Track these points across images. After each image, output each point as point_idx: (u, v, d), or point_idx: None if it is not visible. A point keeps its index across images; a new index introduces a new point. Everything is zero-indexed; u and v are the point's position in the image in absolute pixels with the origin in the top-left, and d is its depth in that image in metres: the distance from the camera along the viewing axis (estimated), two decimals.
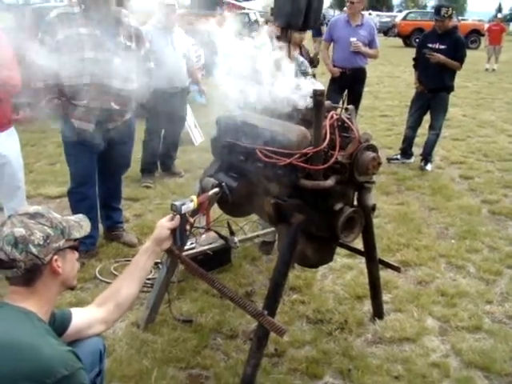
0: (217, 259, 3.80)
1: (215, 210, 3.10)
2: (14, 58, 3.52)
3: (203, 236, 3.67)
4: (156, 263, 3.70)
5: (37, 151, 6.88)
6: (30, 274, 1.64)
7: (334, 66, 6.47)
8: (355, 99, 6.22)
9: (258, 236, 4.09)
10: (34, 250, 1.63)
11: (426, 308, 3.43)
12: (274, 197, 2.59)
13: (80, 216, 1.91)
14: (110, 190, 4.20)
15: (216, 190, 2.74)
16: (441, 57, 6.05)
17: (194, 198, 2.38)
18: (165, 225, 2.24)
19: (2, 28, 7.27)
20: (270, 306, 2.56)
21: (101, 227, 4.26)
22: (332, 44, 6.60)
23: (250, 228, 4.23)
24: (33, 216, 1.69)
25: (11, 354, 1.48)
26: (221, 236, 3.48)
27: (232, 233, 3.52)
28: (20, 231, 1.63)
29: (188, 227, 2.36)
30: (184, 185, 5.67)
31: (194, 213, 2.48)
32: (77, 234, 1.81)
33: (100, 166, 3.92)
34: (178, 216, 2.26)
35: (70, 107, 3.59)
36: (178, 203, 2.28)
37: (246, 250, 4.13)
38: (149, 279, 3.62)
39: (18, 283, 1.66)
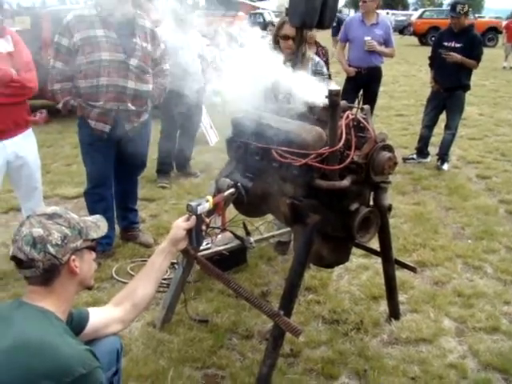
0: (232, 259, 3.80)
1: (231, 211, 3.11)
2: (31, 59, 3.57)
3: (219, 236, 3.66)
4: (172, 263, 3.71)
5: (53, 152, 6.95)
6: (48, 273, 1.66)
7: (350, 66, 6.44)
8: (371, 99, 6.18)
9: (273, 236, 4.09)
10: (51, 249, 1.64)
11: (442, 309, 3.41)
12: (289, 197, 2.59)
13: (97, 216, 1.93)
14: (126, 191, 4.22)
15: (232, 190, 2.75)
16: (458, 56, 6.00)
17: (210, 198, 2.38)
18: (181, 225, 2.26)
19: (19, 30, 7.35)
20: (285, 306, 2.56)
21: (117, 228, 4.29)
22: (348, 44, 6.58)
23: (265, 228, 4.23)
24: (51, 216, 1.70)
25: (30, 353, 1.50)
26: (236, 236, 3.48)
27: (248, 233, 3.52)
28: (38, 231, 1.64)
29: (204, 228, 2.36)
30: (200, 185, 5.70)
31: (210, 213, 2.48)
32: (94, 235, 1.82)
33: (116, 167, 3.95)
34: (193, 216, 2.27)
35: (87, 108, 3.62)
36: (193, 204, 2.29)
37: (261, 250, 4.14)
38: (165, 279, 3.64)
39: (37, 283, 1.68)
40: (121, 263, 3.94)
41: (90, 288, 1.93)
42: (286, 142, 2.53)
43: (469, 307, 3.44)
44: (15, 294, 3.49)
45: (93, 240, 1.83)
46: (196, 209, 2.28)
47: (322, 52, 5.76)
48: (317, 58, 3.85)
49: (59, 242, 1.66)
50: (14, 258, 1.66)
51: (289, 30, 3.63)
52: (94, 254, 1.86)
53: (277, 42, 3.74)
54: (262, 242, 4.08)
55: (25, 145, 3.60)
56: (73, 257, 1.70)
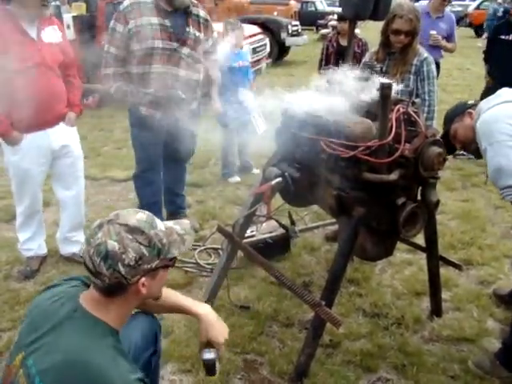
0: (276, 248, 3.84)
1: (277, 200, 3.13)
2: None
3: (264, 224, 3.71)
4: (216, 249, 3.78)
5: (104, 136, 7.11)
6: (112, 288, 1.55)
7: None
8: None
9: (318, 227, 4.09)
10: (122, 269, 1.52)
11: (486, 309, 3.35)
12: (336, 188, 2.59)
13: (188, 226, 1.77)
14: (174, 177, 4.30)
15: (278, 179, 2.77)
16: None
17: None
18: (221, 340, 1.98)
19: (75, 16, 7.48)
20: (327, 297, 2.58)
21: (164, 212, 4.37)
22: None
23: (310, 218, 4.25)
24: (132, 230, 1.55)
25: (78, 373, 1.45)
26: (281, 225, 3.51)
27: (293, 222, 3.54)
28: (113, 245, 1.51)
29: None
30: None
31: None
32: (175, 252, 1.66)
33: (165, 153, 4.02)
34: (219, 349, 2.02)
35: (138, 94, 3.68)
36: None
37: (305, 240, 4.15)
38: (209, 264, 3.71)
39: (98, 290, 1.58)
40: None
41: (156, 299, 1.82)
42: (334, 134, 2.53)
43: None
44: (64, 271, 3.64)
45: (172, 258, 1.67)
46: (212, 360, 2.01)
47: (359, 44, 5.58)
48: (425, 54, 3.61)
49: (132, 263, 1.52)
50: (83, 260, 1.57)
51: (401, 24, 3.44)
52: (168, 271, 1.72)
53: (386, 36, 3.57)
54: (307, 232, 4.10)
55: (68, 133, 3.59)
56: (143, 279, 1.57)
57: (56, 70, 3.37)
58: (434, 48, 6.05)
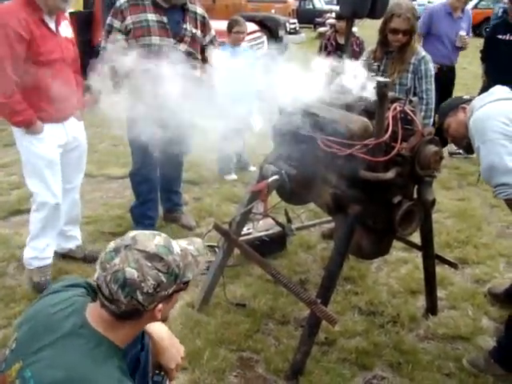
0: (272, 245, 3.84)
1: (273, 197, 3.13)
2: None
3: (260, 222, 3.70)
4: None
5: (101, 132, 7.07)
6: (126, 313, 1.51)
7: None
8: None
9: (314, 225, 4.09)
10: (140, 297, 1.47)
11: (481, 307, 3.36)
12: (332, 187, 2.59)
13: (201, 245, 1.74)
14: (170, 174, 4.28)
15: (275, 177, 2.77)
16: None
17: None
18: (171, 365, 1.89)
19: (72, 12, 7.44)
20: (323, 295, 2.59)
21: (160, 209, 4.37)
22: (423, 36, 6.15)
23: (306, 216, 4.25)
24: (151, 257, 1.50)
25: None
26: (278, 223, 3.51)
27: (289, 220, 3.54)
28: (132, 273, 1.46)
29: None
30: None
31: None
32: (190, 275, 1.63)
33: (161, 150, 4.00)
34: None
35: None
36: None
37: (301, 238, 4.15)
38: (205, 262, 3.70)
39: (110, 313, 1.52)
40: None
41: (164, 321, 1.76)
42: (331, 132, 2.53)
43: (509, 308, 3.37)
44: (61, 268, 3.62)
45: (186, 282, 1.63)
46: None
47: (357, 42, 5.57)
48: (422, 52, 3.59)
49: (151, 291, 1.48)
50: (97, 285, 1.52)
51: (399, 23, 3.44)
52: (181, 293, 1.68)
53: (384, 35, 3.57)
54: (303, 230, 4.10)
55: (78, 127, 3.60)
56: (159, 305, 1.54)
57: (70, 64, 3.38)
58: (457, 50, 6.00)
